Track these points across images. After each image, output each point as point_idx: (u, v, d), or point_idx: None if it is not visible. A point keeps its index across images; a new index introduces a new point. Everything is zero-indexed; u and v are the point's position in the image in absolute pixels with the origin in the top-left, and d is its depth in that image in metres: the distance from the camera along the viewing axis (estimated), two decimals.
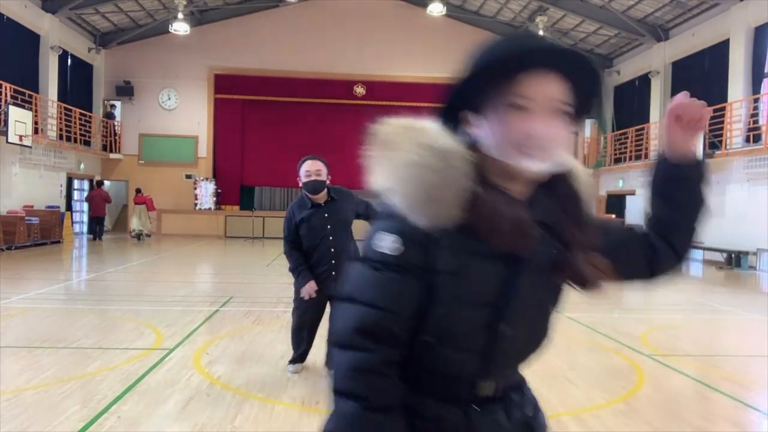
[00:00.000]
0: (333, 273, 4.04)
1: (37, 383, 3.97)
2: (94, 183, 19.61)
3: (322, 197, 4.11)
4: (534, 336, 1.12)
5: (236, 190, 21.81)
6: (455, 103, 1.06)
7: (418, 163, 0.99)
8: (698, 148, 1.15)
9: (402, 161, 1.00)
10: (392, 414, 1.01)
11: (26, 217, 14.98)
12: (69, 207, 18.50)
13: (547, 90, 1.00)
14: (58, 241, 16.33)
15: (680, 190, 1.18)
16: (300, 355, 4.33)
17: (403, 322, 1.01)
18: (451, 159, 1.00)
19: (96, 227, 18.09)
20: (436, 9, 19.42)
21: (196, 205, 20.89)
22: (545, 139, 0.99)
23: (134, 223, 18.62)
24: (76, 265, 12.87)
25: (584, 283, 1.08)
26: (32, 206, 15.91)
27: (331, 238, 4.08)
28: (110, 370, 4.34)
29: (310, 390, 3.90)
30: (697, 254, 16.24)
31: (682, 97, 1.14)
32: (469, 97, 1.04)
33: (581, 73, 1.04)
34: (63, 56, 18.18)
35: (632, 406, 3.86)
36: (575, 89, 1.04)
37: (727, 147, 14.69)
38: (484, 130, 1.03)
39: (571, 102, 1.04)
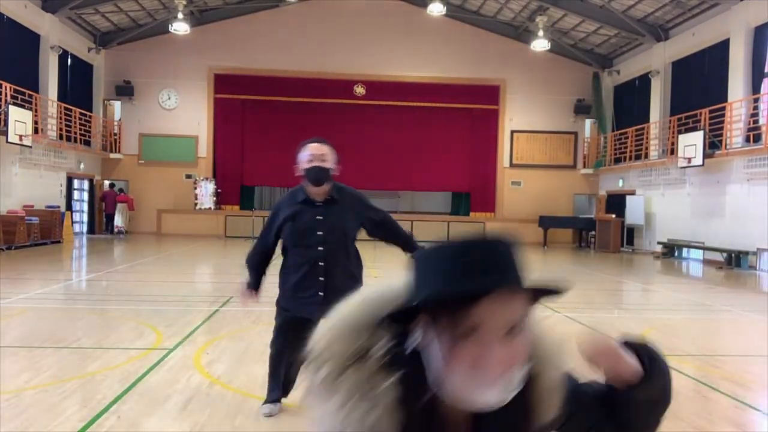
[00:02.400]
0: (320, 294, 3.16)
1: (37, 383, 3.97)
2: (107, 184, 20.71)
3: (321, 192, 3.20)
4: None
5: (236, 190, 21.81)
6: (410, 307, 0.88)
7: (340, 366, 0.87)
8: (634, 361, 1.01)
9: (330, 412, 0.87)
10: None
11: (26, 217, 14.98)
12: (69, 207, 18.51)
13: (505, 314, 0.84)
14: (58, 241, 16.32)
15: (637, 412, 1.07)
16: (274, 397, 3.47)
17: None
18: (381, 380, 0.86)
19: (108, 224, 20.28)
20: (436, 9, 19.42)
21: (196, 205, 20.90)
22: (499, 370, 0.84)
23: (117, 220, 20.09)
24: (76, 265, 12.87)
25: None
26: (32, 206, 15.91)
27: (320, 248, 3.15)
28: (110, 370, 4.33)
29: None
30: (697, 254, 16.25)
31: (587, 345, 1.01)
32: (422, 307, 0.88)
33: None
34: (63, 56, 18.18)
35: None
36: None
37: (727, 147, 14.69)
38: (433, 347, 0.87)
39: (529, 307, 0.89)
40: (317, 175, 3.15)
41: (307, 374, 0.90)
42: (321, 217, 3.18)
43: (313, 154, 3.16)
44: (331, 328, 0.91)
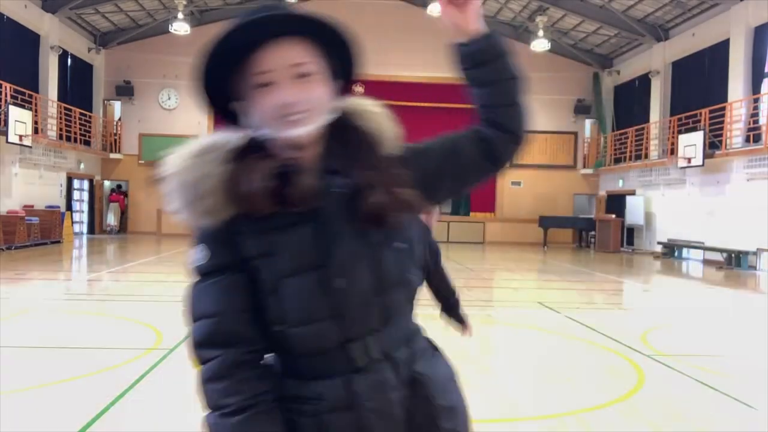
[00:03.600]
0: None
1: (37, 383, 3.97)
2: (114, 186, 21.69)
3: None
4: (378, 281, 1.04)
5: None
6: (216, 98, 1.08)
7: (177, 171, 1.02)
8: (481, 22, 1.13)
9: (168, 177, 1.03)
10: (252, 411, 1.00)
11: (26, 217, 14.98)
12: (69, 207, 18.51)
13: (283, 58, 1.01)
14: (58, 241, 16.33)
15: (481, 68, 1.15)
16: None
17: (237, 319, 1.02)
18: (205, 154, 1.02)
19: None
20: (436, 9, 19.37)
21: None
22: (294, 104, 1.00)
23: (110, 219, 20.76)
24: (76, 265, 12.87)
25: (387, 212, 1.04)
26: (32, 206, 15.91)
27: None
28: (110, 370, 4.33)
29: None
30: (697, 254, 16.25)
31: None
32: (225, 88, 1.05)
33: (327, 34, 1.06)
34: (63, 56, 18.18)
35: (632, 406, 3.86)
36: (328, 49, 1.06)
37: (727, 147, 14.69)
38: (249, 114, 1.04)
39: (322, 61, 1.05)
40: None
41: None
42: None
43: None
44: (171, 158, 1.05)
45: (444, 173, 1.16)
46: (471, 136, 1.20)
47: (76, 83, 19.42)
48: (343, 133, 1.10)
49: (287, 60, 1.01)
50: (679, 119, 16.94)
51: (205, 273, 1.04)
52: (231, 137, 1.06)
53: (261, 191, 1.00)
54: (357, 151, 1.08)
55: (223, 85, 1.05)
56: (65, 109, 17.99)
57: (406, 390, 1.08)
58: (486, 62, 1.14)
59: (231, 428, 1.01)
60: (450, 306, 3.01)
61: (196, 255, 1.05)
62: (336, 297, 1.02)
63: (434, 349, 1.21)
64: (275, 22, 1.01)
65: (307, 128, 1.02)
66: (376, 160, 1.09)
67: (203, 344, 1.02)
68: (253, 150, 1.05)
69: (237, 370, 1.01)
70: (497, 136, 1.19)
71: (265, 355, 1.08)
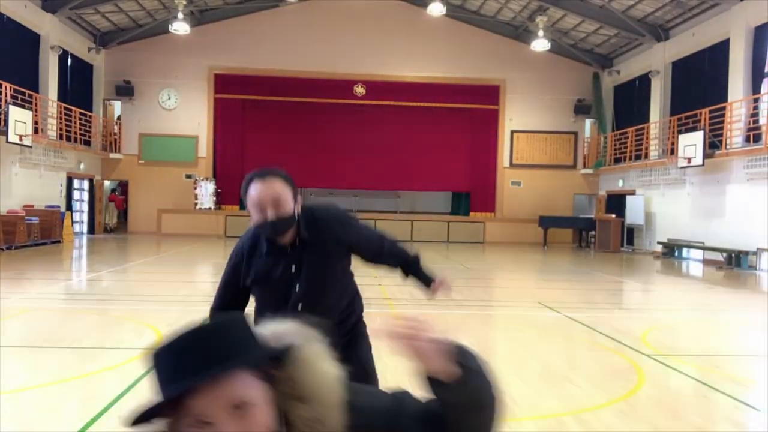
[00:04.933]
0: None
1: (37, 383, 3.97)
2: (116, 186, 22.42)
3: (287, 238, 2.23)
4: None
5: (236, 190, 21.59)
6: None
7: None
8: (448, 357, 1.01)
9: None
10: None
11: (26, 217, 14.98)
12: (69, 207, 18.51)
13: (221, 398, 0.90)
14: (58, 241, 16.33)
15: (454, 406, 1.05)
16: None
17: None
18: None
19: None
20: (436, 9, 19.42)
21: (196, 204, 20.90)
22: None
23: (107, 218, 21.46)
24: (76, 264, 12.87)
25: None
26: (32, 206, 15.91)
27: (300, 304, 2.26)
28: (110, 370, 4.33)
29: None
30: (697, 254, 16.25)
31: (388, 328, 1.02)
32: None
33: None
34: (63, 56, 18.17)
35: (632, 406, 3.86)
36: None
37: (727, 147, 14.69)
38: None
39: (262, 383, 0.95)
40: (276, 231, 2.16)
41: None
42: (295, 266, 2.24)
43: (259, 199, 2.11)
44: None
45: None
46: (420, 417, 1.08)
47: (76, 83, 19.42)
48: None
49: (221, 402, 0.90)
50: (679, 119, 16.94)
51: None
52: None
53: None
54: None
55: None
56: (65, 109, 17.99)
57: None
58: (461, 406, 1.05)
59: None
60: (409, 264, 2.51)
61: None
62: None
63: None
64: (203, 371, 0.90)
65: None
66: None
67: None
68: None
69: None
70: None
71: None
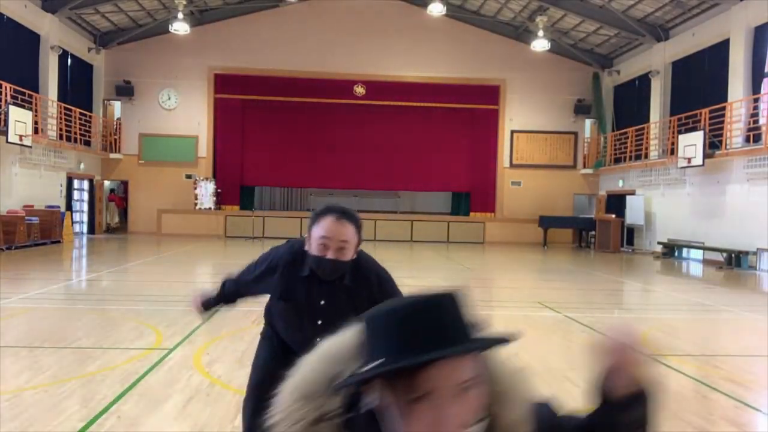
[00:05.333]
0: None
1: (37, 383, 3.97)
2: (116, 187, 22.69)
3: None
4: None
5: (236, 190, 21.82)
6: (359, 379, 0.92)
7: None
8: (639, 377, 1.01)
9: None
10: None
11: (26, 217, 14.98)
12: (69, 207, 18.51)
13: (455, 375, 0.89)
14: (58, 241, 16.33)
15: (620, 418, 1.04)
16: None
17: None
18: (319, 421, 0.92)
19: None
20: (436, 9, 19.42)
21: (196, 205, 20.91)
22: (457, 425, 0.89)
23: (107, 218, 21.76)
24: (76, 265, 12.87)
25: None
26: (32, 206, 15.91)
27: (318, 337, 1.83)
28: (110, 370, 4.34)
29: None
30: (697, 254, 16.25)
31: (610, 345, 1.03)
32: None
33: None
34: (63, 56, 18.18)
35: None
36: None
37: (727, 147, 14.69)
38: (388, 410, 0.91)
39: (483, 365, 0.95)
40: (329, 272, 2.20)
41: None
42: (323, 302, 2.29)
43: (327, 237, 2.14)
44: (287, 393, 0.97)
45: None
46: None
47: (76, 83, 19.42)
48: None
49: (456, 380, 0.89)
50: (679, 119, 16.94)
51: None
52: (339, 410, 0.94)
53: None
54: None
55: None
56: (65, 109, 18.00)
57: None
58: (635, 421, 1.04)
59: None
60: None
61: None
62: None
63: None
64: (459, 348, 0.90)
65: None
66: None
67: None
68: None
69: None
70: None
71: None
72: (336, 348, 1.00)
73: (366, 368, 0.89)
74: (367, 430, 0.93)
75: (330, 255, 2.13)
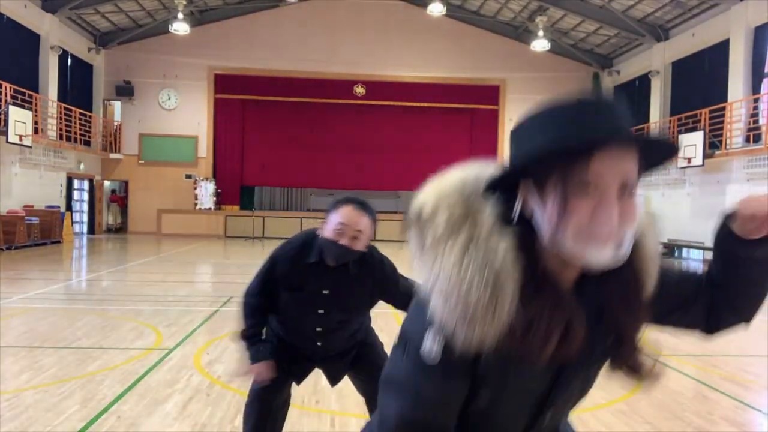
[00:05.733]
0: (318, 345, 2.50)
1: (37, 383, 3.97)
2: (117, 188, 22.73)
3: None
4: (574, 398, 1.06)
5: (236, 190, 21.83)
6: (514, 168, 0.91)
7: (463, 277, 0.85)
8: None
9: (445, 268, 0.86)
10: None
11: (26, 217, 14.98)
12: (69, 207, 18.51)
13: (619, 170, 0.86)
14: (58, 241, 16.33)
15: (748, 267, 1.02)
16: None
17: (444, 417, 0.96)
18: (502, 267, 0.85)
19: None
20: (436, 9, 19.42)
21: (196, 205, 20.91)
22: (615, 225, 0.85)
23: (110, 218, 22.00)
24: (76, 265, 12.87)
25: (637, 373, 0.98)
26: (32, 206, 15.91)
27: (318, 329, 2.45)
28: (110, 370, 4.33)
29: (310, 389, 3.89)
30: (697, 254, 16.24)
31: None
32: (529, 166, 0.88)
33: (657, 145, 0.93)
34: (63, 56, 18.18)
35: (632, 406, 3.86)
36: (646, 155, 0.92)
37: (727, 147, 14.69)
38: (542, 209, 0.87)
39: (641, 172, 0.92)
40: (339, 256, 2.26)
41: (415, 235, 0.90)
42: (327, 291, 2.35)
43: (345, 224, 2.21)
44: (437, 193, 0.92)
45: (667, 312, 1.07)
46: (703, 294, 1.07)
47: (76, 83, 19.42)
48: (625, 267, 0.93)
49: (619, 174, 0.86)
50: (679, 119, 16.94)
51: (433, 367, 0.91)
52: (509, 241, 0.87)
53: (547, 349, 0.86)
54: (620, 292, 0.94)
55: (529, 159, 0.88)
56: (65, 109, 17.99)
57: None
58: (758, 266, 1.01)
59: None
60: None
61: (432, 345, 0.90)
62: (537, 419, 1.02)
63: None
64: (630, 135, 0.87)
65: (612, 254, 0.86)
66: (639, 307, 0.96)
67: (412, 424, 0.95)
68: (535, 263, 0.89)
69: None
70: (727, 312, 1.06)
71: None
72: (477, 169, 0.99)
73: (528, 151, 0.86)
74: (523, 232, 0.89)
75: (344, 242, 2.22)
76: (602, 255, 0.85)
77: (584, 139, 0.84)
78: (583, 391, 1.06)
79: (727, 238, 1.03)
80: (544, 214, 0.87)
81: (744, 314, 1.07)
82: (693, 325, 1.10)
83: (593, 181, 0.85)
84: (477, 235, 0.87)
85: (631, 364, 0.97)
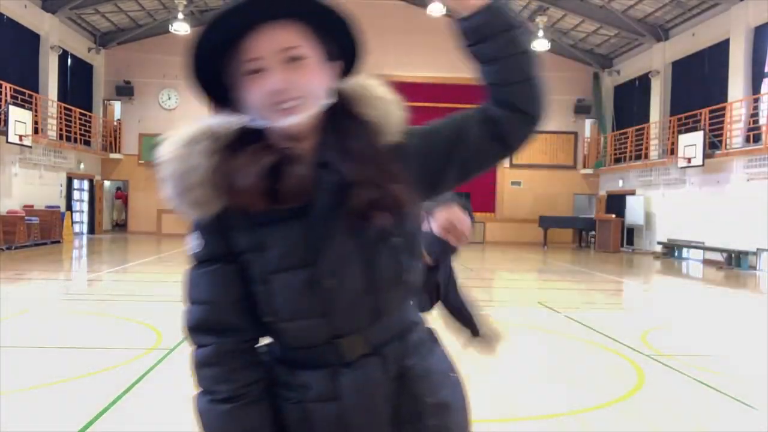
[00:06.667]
0: None
1: (38, 383, 3.97)
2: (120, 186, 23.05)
3: None
4: (370, 281, 1.02)
5: None
6: (213, 87, 1.05)
7: (168, 159, 1.02)
8: None
9: (161, 165, 1.03)
10: (242, 401, 1.02)
11: (26, 217, 14.98)
12: (69, 207, 18.51)
13: (273, 43, 0.98)
14: (58, 241, 16.33)
15: (486, 43, 1.04)
16: None
17: (231, 309, 1.03)
18: (195, 143, 1.01)
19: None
20: (436, 9, 19.41)
21: None
22: (285, 91, 0.97)
23: (114, 215, 22.77)
24: (76, 264, 12.87)
25: (376, 209, 0.99)
26: (32, 206, 15.91)
27: None
28: (110, 369, 4.33)
29: None
30: (697, 254, 16.25)
31: None
32: (220, 76, 1.03)
33: (321, 14, 1.01)
34: (63, 56, 18.17)
35: (632, 406, 3.86)
36: (324, 30, 1.02)
37: (727, 147, 14.69)
38: (243, 102, 1.02)
39: (317, 44, 1.01)
40: None
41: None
42: None
43: None
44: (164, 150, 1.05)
45: (450, 159, 1.08)
46: (478, 117, 1.07)
47: (76, 83, 19.42)
48: (341, 120, 1.05)
49: (277, 44, 0.98)
50: (679, 119, 16.94)
51: (200, 260, 1.05)
52: (223, 123, 1.03)
53: (254, 188, 0.98)
54: (353, 142, 1.03)
55: (218, 72, 1.03)
56: (65, 109, 18.00)
57: (394, 384, 1.07)
58: (491, 36, 1.03)
59: (219, 415, 1.03)
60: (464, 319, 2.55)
61: (192, 242, 1.06)
62: (325, 296, 1.01)
63: (434, 341, 1.18)
64: (263, 5, 0.96)
65: (299, 116, 0.99)
66: (372, 153, 1.04)
67: (198, 329, 1.05)
68: (248, 139, 1.02)
69: (230, 358, 1.03)
70: (507, 115, 1.05)
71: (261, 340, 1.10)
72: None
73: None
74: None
75: None
76: (286, 120, 0.98)
77: (223, 22, 0.97)
78: (382, 272, 1.03)
79: (458, 24, 1.09)
80: (245, 103, 1.02)
81: (523, 108, 1.05)
82: (489, 153, 1.09)
83: (253, 59, 0.98)
84: (182, 132, 1.05)
85: (365, 203, 0.99)
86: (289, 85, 0.98)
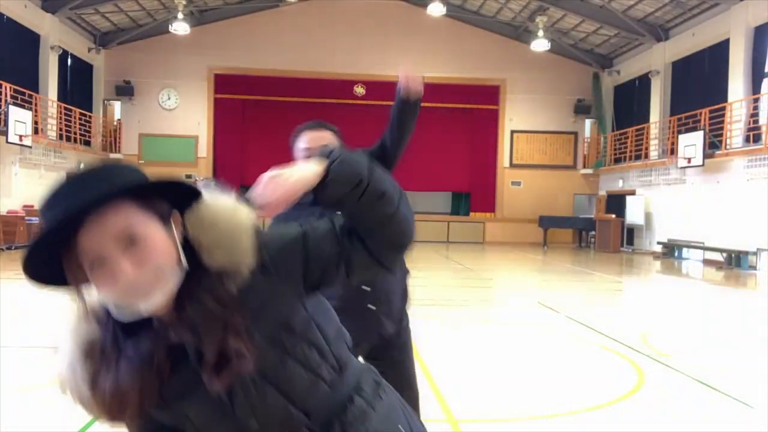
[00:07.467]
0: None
1: (38, 383, 3.97)
2: None
3: None
4: (289, 395, 1.01)
5: (236, 190, 21.81)
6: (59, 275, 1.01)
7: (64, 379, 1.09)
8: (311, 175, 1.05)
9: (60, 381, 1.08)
10: None
11: (26, 217, 14.98)
12: None
13: (105, 232, 0.90)
14: None
15: (343, 206, 1.06)
16: None
17: None
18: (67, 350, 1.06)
19: None
20: (436, 9, 19.43)
21: None
22: (133, 278, 0.90)
23: None
24: None
25: (225, 367, 0.96)
26: (32, 206, 15.90)
27: None
28: None
29: None
30: (697, 254, 16.25)
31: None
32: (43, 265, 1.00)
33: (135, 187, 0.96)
34: (63, 56, 18.17)
35: (632, 406, 3.86)
36: (143, 196, 0.96)
37: (727, 147, 14.69)
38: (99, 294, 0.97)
39: (145, 210, 0.95)
40: None
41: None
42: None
43: (309, 148, 2.26)
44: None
45: (306, 273, 1.05)
46: (337, 246, 1.06)
47: (76, 83, 19.42)
48: (189, 283, 0.97)
49: (110, 232, 0.90)
50: (679, 119, 16.94)
51: None
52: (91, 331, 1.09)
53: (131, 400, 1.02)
54: (198, 312, 0.96)
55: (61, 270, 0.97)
56: (65, 109, 17.99)
57: None
58: (344, 200, 1.04)
59: None
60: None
61: None
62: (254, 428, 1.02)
63: (378, 397, 1.12)
64: (81, 198, 0.90)
65: (155, 300, 0.93)
66: (217, 314, 0.96)
67: None
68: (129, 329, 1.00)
69: None
70: (365, 259, 1.06)
71: None
72: None
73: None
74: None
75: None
76: (147, 305, 0.92)
77: (42, 237, 0.91)
78: (295, 385, 1.01)
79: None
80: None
81: (377, 256, 1.05)
82: (363, 265, 1.07)
83: (91, 255, 0.90)
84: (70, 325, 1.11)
85: (214, 366, 0.96)
86: (138, 274, 0.91)
